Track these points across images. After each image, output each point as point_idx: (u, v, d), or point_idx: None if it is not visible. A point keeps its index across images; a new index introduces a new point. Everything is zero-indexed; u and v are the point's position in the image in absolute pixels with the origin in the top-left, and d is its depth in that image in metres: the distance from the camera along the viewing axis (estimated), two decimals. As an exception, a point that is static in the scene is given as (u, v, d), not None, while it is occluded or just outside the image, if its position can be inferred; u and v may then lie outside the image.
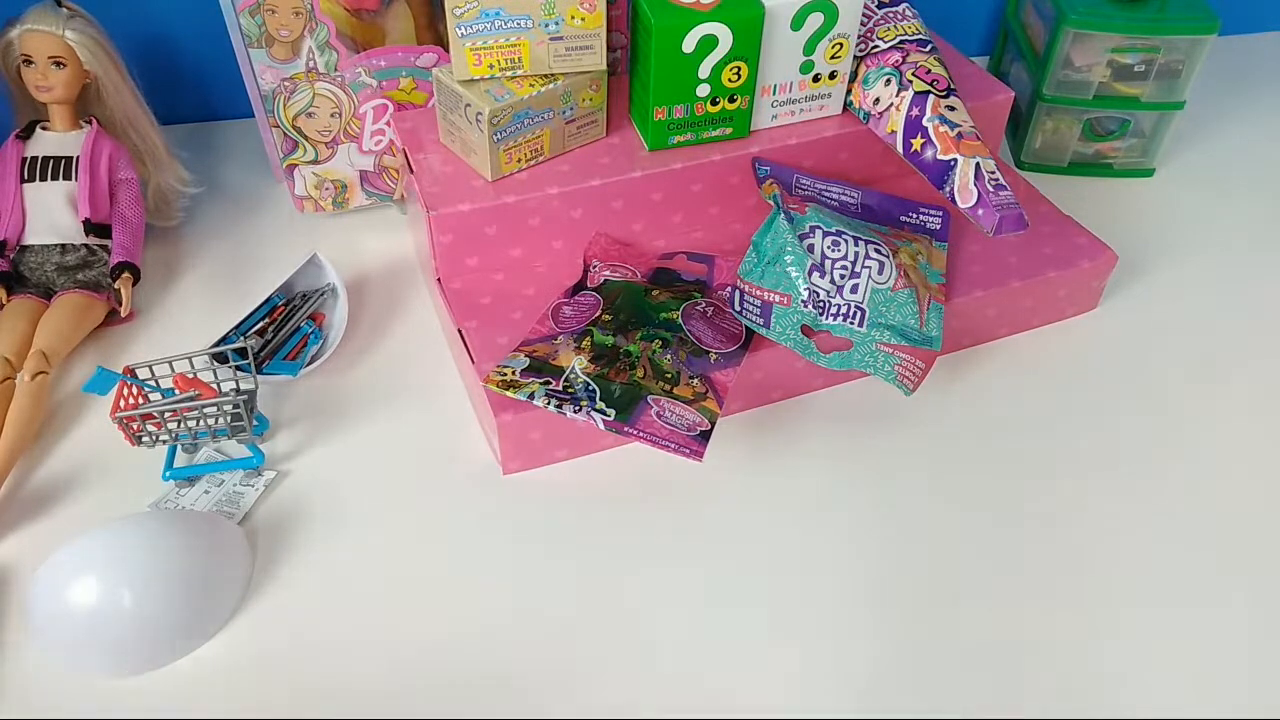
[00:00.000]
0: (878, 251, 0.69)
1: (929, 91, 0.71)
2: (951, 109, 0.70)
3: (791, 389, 0.72)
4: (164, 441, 0.65)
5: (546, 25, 0.68)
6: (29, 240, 0.76)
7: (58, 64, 0.75)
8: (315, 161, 0.83)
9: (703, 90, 0.70)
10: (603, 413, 0.61)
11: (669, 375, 0.65)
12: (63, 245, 0.76)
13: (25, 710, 0.55)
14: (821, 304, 0.67)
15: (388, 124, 0.82)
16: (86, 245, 0.76)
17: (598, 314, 0.68)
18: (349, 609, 0.59)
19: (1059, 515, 0.65)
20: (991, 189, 0.67)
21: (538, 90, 0.69)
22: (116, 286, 0.75)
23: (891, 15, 0.77)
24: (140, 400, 0.64)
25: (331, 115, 0.81)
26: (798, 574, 0.62)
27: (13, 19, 0.75)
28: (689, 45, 0.67)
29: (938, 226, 0.77)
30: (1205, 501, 0.66)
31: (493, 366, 0.65)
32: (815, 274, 0.67)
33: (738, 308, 0.68)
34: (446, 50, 0.74)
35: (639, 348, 0.65)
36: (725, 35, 0.67)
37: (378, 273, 0.83)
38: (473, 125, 0.69)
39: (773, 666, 0.57)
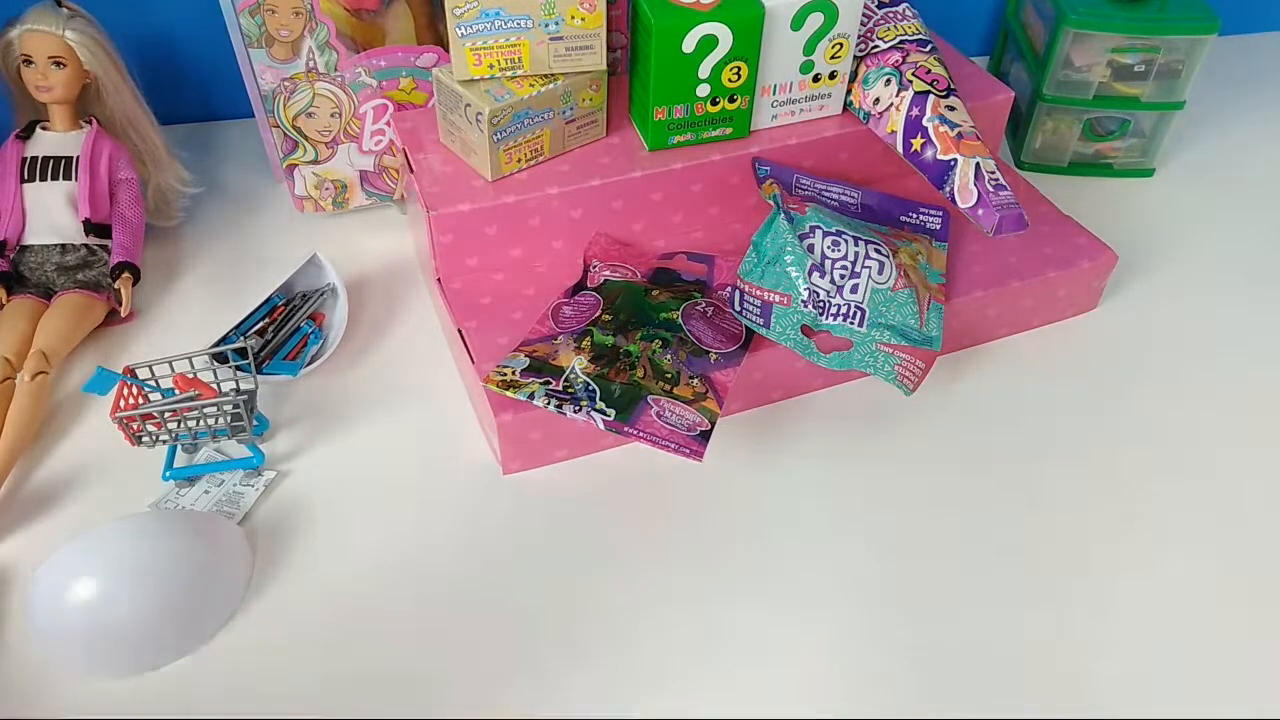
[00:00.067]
0: (878, 251, 0.69)
1: (929, 91, 0.71)
2: (951, 109, 0.70)
3: (791, 389, 0.72)
4: (164, 441, 0.65)
5: (546, 25, 0.68)
6: (29, 240, 0.76)
7: (58, 64, 0.75)
8: (315, 161, 0.83)
9: (703, 90, 0.70)
10: (603, 413, 0.61)
11: (669, 375, 0.65)
12: (63, 245, 0.76)
13: (25, 710, 0.55)
14: (821, 304, 0.67)
15: (388, 124, 0.82)
16: (86, 245, 0.76)
17: (598, 314, 0.68)
18: (349, 609, 0.59)
19: (1060, 515, 0.65)
20: (991, 189, 0.67)
21: (538, 90, 0.69)
22: (116, 286, 0.75)
23: (891, 15, 0.77)
24: (140, 400, 0.64)
25: (331, 115, 0.81)
26: (798, 574, 0.62)
27: (13, 19, 0.75)
28: (689, 45, 0.67)
29: (938, 226, 0.77)
30: (1206, 501, 0.66)
31: (493, 366, 0.65)
32: (815, 274, 0.67)
33: (738, 308, 0.68)
34: (446, 50, 0.74)
35: (639, 348, 0.65)
36: (725, 35, 0.67)
37: (378, 273, 0.83)
38: (473, 125, 0.69)
39: (773, 666, 0.57)
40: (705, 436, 0.62)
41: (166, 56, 0.94)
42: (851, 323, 0.67)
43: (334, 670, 0.56)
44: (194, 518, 0.62)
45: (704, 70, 0.69)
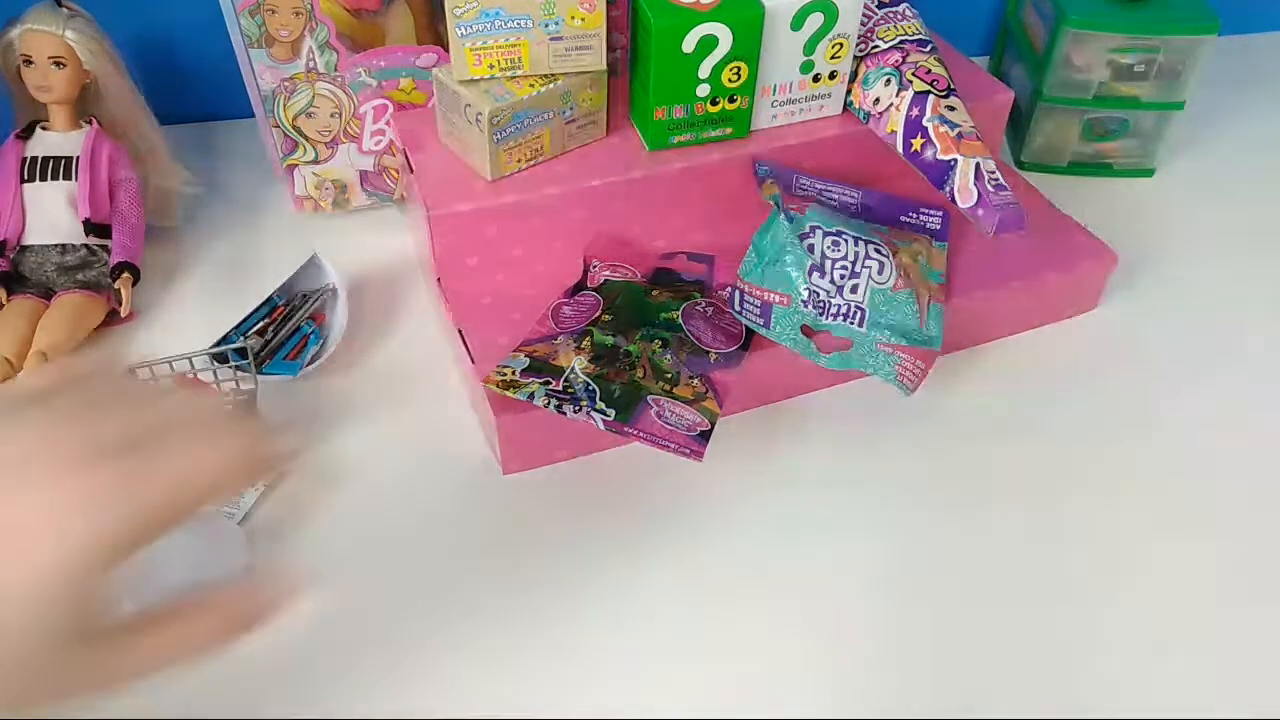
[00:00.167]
0: (878, 251, 0.69)
1: (929, 91, 0.71)
2: (951, 109, 0.70)
3: (791, 389, 0.72)
4: (164, 441, 0.64)
5: (546, 25, 0.68)
6: (29, 240, 0.76)
7: (58, 64, 0.75)
8: (315, 161, 0.83)
9: (703, 90, 0.70)
10: (603, 413, 0.61)
11: (669, 375, 0.65)
12: (62, 245, 0.76)
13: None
14: (821, 304, 0.67)
15: (388, 124, 0.82)
16: (86, 245, 0.76)
17: (598, 314, 0.68)
18: (348, 609, 0.59)
19: (1060, 515, 0.65)
20: (991, 189, 0.67)
21: (538, 90, 0.69)
22: (116, 286, 0.75)
23: (891, 15, 0.77)
24: (140, 400, 0.64)
25: (331, 115, 0.81)
26: (798, 574, 0.62)
27: (13, 19, 0.75)
28: (689, 45, 0.67)
29: (938, 226, 0.77)
30: (1206, 501, 0.66)
31: (493, 366, 0.65)
32: (815, 274, 0.67)
33: (738, 308, 0.68)
34: (446, 50, 0.74)
35: (639, 348, 0.65)
36: (725, 35, 0.67)
37: (378, 273, 0.83)
38: (473, 125, 0.69)
39: (773, 666, 0.57)
40: (705, 436, 0.62)
41: (166, 56, 0.94)
42: (851, 323, 0.67)
43: (334, 670, 0.56)
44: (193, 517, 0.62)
45: (704, 70, 0.69)
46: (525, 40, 0.68)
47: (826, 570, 0.62)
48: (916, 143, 0.70)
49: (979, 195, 0.67)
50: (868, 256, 0.68)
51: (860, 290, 0.67)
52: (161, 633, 0.36)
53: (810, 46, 0.71)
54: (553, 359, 0.65)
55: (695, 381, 0.65)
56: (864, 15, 0.74)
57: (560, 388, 0.62)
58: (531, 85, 0.69)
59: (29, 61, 0.75)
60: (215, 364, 0.67)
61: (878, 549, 0.63)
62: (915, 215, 0.78)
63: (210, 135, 0.98)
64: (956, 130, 0.69)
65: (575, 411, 0.61)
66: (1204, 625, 0.60)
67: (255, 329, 0.73)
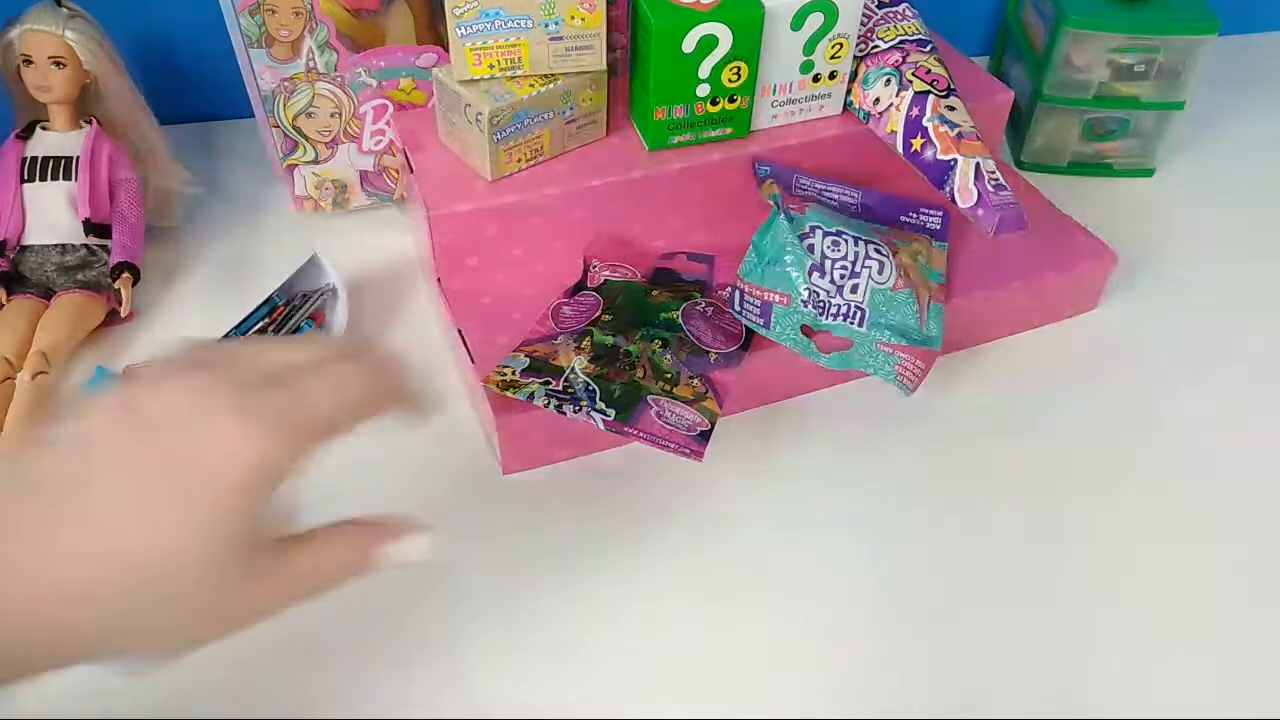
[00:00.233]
0: (878, 251, 0.69)
1: (929, 91, 0.71)
2: (951, 109, 0.70)
3: (791, 389, 0.72)
4: (164, 441, 0.64)
5: (546, 25, 0.68)
6: (29, 240, 0.76)
7: (58, 64, 0.75)
8: (315, 161, 0.83)
9: (703, 90, 0.70)
10: (603, 413, 0.61)
11: (669, 375, 0.65)
12: (62, 245, 0.76)
13: (25, 710, 0.55)
14: (821, 304, 0.67)
15: (388, 124, 0.82)
16: (86, 245, 0.76)
17: (598, 314, 0.68)
18: (348, 608, 0.59)
19: (1060, 515, 0.65)
20: (991, 189, 0.67)
21: (538, 90, 0.69)
22: (116, 286, 0.75)
23: (891, 15, 0.77)
24: (140, 400, 0.64)
25: (331, 115, 0.81)
26: (798, 574, 0.62)
27: (13, 19, 0.75)
28: (689, 45, 0.68)
29: (938, 226, 0.77)
30: (1206, 501, 0.66)
31: (493, 366, 0.65)
32: (815, 274, 0.67)
33: (738, 308, 0.68)
34: (446, 50, 0.74)
35: (639, 348, 0.65)
36: (725, 35, 0.67)
37: (378, 273, 0.83)
38: (473, 125, 0.69)
39: (773, 666, 0.57)
40: (705, 436, 0.62)
41: (166, 56, 0.94)
42: (851, 323, 0.67)
43: (334, 670, 0.56)
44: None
45: (704, 70, 0.69)
46: (525, 40, 0.68)
47: (826, 570, 0.62)
48: (916, 143, 0.70)
49: (979, 195, 0.67)
50: (868, 256, 0.68)
51: (860, 290, 0.67)
52: (315, 553, 0.43)
53: (810, 46, 0.71)
54: (553, 359, 0.65)
55: (695, 381, 0.65)
56: (864, 15, 0.74)
57: (560, 388, 0.62)
58: (531, 85, 0.69)
59: (29, 61, 0.75)
60: (215, 364, 0.67)
61: (878, 549, 0.63)
62: (915, 215, 0.78)
63: (210, 135, 0.98)
64: (956, 130, 0.69)
65: (575, 411, 0.61)
66: (1204, 625, 0.60)
67: (255, 329, 0.73)
